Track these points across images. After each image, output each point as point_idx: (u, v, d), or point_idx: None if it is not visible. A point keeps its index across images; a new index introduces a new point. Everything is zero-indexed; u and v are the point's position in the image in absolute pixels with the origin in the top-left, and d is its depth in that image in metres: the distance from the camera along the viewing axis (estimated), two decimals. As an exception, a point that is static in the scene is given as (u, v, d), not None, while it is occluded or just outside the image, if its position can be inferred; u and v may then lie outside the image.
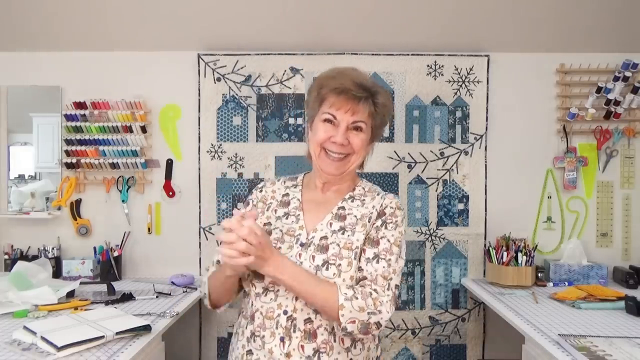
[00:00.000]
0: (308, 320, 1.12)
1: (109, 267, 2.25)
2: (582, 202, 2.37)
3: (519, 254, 2.10)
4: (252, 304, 1.17)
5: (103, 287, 2.03)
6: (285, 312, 1.13)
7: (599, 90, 2.29)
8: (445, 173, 2.35)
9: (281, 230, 1.22)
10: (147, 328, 1.49)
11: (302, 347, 1.11)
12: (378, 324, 1.09)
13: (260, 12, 2.16)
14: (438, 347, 2.35)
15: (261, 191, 1.34)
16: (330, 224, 1.21)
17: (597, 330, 1.53)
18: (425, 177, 2.34)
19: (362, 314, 1.07)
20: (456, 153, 2.34)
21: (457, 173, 2.34)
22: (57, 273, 2.25)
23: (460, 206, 2.35)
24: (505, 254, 2.12)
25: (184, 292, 2.03)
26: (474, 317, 2.35)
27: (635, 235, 2.37)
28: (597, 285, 2.07)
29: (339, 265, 1.14)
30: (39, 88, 2.35)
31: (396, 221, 1.21)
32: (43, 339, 1.34)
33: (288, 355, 1.10)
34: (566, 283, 2.15)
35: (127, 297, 1.89)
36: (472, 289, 2.18)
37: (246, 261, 1.04)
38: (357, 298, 1.08)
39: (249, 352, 1.16)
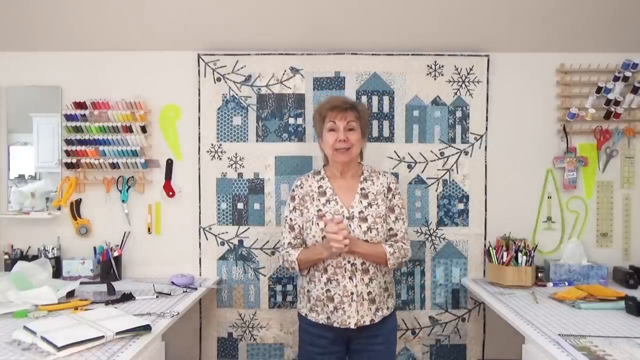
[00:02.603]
0: (363, 263, 1.77)
1: (109, 267, 2.25)
2: (582, 202, 2.37)
3: (519, 254, 2.10)
4: (324, 261, 1.77)
5: (103, 287, 2.03)
6: (349, 262, 1.76)
7: (599, 90, 2.29)
8: (445, 173, 2.35)
9: (330, 212, 1.80)
10: (147, 328, 1.50)
11: (362, 279, 1.77)
12: (406, 262, 1.93)
13: (260, 12, 2.16)
14: (438, 347, 2.35)
15: (302, 187, 1.89)
16: (361, 201, 1.82)
17: (597, 330, 1.53)
18: (425, 177, 2.35)
19: (399, 260, 1.81)
20: (456, 153, 2.34)
21: (457, 173, 2.34)
22: (57, 273, 2.25)
23: (460, 206, 2.34)
24: (505, 254, 2.12)
25: (184, 292, 2.03)
26: (474, 317, 2.35)
27: (635, 235, 2.37)
28: (597, 285, 2.07)
29: (377, 228, 1.79)
30: (39, 88, 2.35)
31: (399, 192, 1.91)
32: (43, 339, 1.34)
33: (356, 285, 1.75)
34: (566, 283, 2.15)
35: (127, 297, 1.89)
36: (472, 289, 2.19)
37: (346, 249, 1.69)
38: (396, 252, 1.79)
39: (328, 290, 1.77)
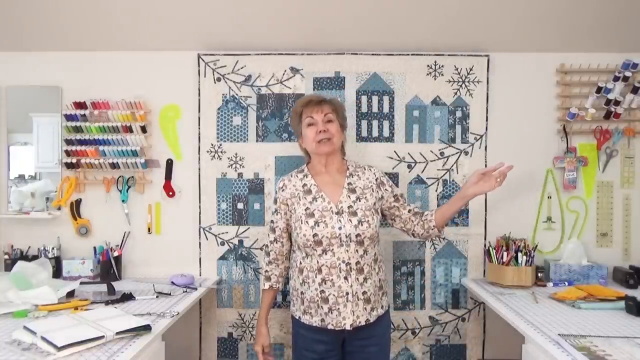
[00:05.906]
0: (357, 263, 1.74)
1: (109, 267, 2.25)
2: (582, 202, 2.37)
3: (519, 254, 2.10)
4: (318, 262, 1.74)
5: (103, 287, 2.03)
6: (344, 261, 1.72)
7: (599, 90, 2.29)
8: (445, 173, 2.35)
9: (318, 210, 1.77)
10: (147, 328, 1.50)
11: (357, 278, 1.73)
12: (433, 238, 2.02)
13: (260, 12, 2.16)
14: (438, 347, 2.35)
15: (283, 190, 1.87)
16: (349, 196, 1.80)
17: (597, 330, 1.53)
18: (425, 177, 2.35)
19: None
20: (456, 153, 2.34)
21: (457, 173, 2.34)
22: (57, 273, 2.25)
23: (460, 206, 2.34)
24: (505, 254, 2.12)
25: (184, 292, 2.03)
26: (474, 317, 2.35)
27: (635, 235, 2.37)
28: (597, 285, 2.07)
29: (367, 221, 1.75)
30: (39, 88, 2.35)
31: (388, 181, 1.93)
32: (43, 339, 1.34)
33: (351, 285, 1.72)
34: (566, 283, 2.15)
35: (127, 297, 1.89)
36: (472, 289, 2.19)
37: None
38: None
39: (322, 291, 1.73)
